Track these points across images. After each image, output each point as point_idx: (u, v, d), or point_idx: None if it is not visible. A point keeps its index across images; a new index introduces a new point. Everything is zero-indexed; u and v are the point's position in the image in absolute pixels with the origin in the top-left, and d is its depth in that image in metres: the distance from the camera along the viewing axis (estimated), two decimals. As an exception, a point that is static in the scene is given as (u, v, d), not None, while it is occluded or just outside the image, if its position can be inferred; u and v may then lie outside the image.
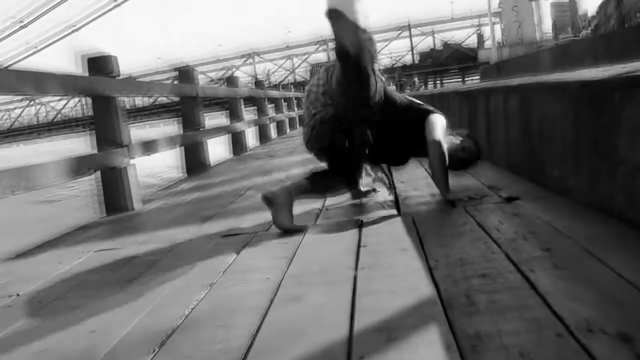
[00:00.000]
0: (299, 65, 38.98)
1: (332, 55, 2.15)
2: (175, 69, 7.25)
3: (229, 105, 7.14)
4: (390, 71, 30.39)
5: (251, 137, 7.98)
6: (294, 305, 1.33)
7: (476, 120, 3.69)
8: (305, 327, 1.18)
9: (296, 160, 4.71)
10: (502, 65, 18.15)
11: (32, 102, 40.20)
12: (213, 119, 17.16)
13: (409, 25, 36.70)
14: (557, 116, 2.22)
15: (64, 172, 2.78)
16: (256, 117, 8.78)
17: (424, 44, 36.70)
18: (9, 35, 37.87)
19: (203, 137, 5.30)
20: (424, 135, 2.20)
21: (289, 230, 2.08)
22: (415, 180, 2.89)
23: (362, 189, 2.55)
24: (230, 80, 8.04)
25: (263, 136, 8.79)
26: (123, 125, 3.38)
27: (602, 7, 15.55)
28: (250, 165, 5.15)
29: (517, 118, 2.80)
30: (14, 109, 41.29)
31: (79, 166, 2.90)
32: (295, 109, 12.69)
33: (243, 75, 32.88)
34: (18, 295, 1.73)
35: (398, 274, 1.45)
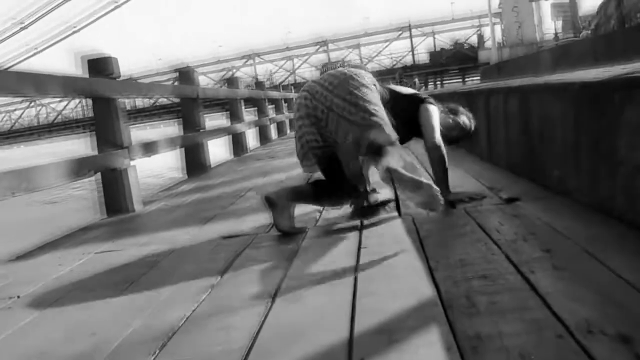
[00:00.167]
0: (299, 66, 38.95)
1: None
2: (176, 70, 7.25)
3: (230, 107, 7.14)
4: (390, 72, 30.41)
5: (251, 138, 7.97)
6: (294, 307, 1.33)
7: (476, 120, 3.68)
8: (305, 328, 1.18)
9: (296, 162, 4.65)
10: (502, 66, 18.14)
11: (32, 104, 40.16)
12: (213, 120, 17.15)
13: (409, 25, 36.68)
14: (557, 117, 2.22)
15: (65, 174, 2.78)
16: (256, 118, 8.78)
17: (425, 44, 36.70)
18: (9, 36, 37.87)
19: (203, 138, 5.31)
20: (417, 119, 2.24)
21: (289, 231, 2.09)
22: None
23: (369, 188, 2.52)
24: (231, 81, 8.04)
25: (263, 137, 8.79)
26: (123, 127, 3.38)
27: (602, 8, 15.52)
28: (251, 167, 5.15)
29: (517, 119, 2.80)
30: (15, 110, 41.26)
31: (79, 168, 2.90)
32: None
33: (245, 76, 32.79)
34: (18, 297, 1.73)
35: (398, 275, 1.46)
